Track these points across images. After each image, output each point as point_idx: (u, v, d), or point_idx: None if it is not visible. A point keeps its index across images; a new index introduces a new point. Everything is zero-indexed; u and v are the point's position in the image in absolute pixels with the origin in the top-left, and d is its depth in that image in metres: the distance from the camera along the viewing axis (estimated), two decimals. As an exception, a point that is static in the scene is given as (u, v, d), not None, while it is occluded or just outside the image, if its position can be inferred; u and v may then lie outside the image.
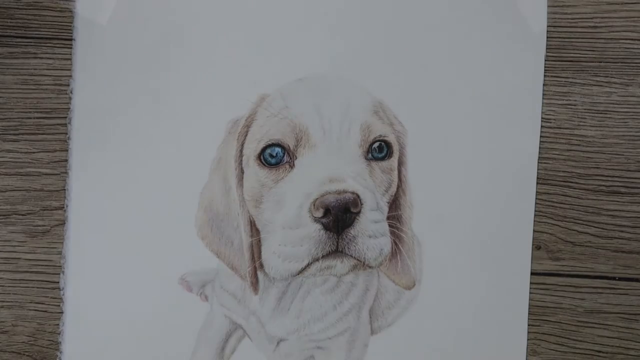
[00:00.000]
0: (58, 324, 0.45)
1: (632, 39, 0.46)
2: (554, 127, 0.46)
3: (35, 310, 0.46)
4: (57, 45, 0.45)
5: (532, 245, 0.46)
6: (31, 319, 0.46)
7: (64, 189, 0.45)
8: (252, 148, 0.45)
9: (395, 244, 0.46)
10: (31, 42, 0.45)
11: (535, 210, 0.46)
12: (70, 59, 0.45)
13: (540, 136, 0.46)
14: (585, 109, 0.46)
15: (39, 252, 0.45)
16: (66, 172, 0.45)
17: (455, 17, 0.46)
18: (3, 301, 0.44)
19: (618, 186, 0.47)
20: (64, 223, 0.45)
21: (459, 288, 0.47)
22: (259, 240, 0.45)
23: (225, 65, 0.46)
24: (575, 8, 0.46)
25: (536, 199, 0.46)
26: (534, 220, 0.46)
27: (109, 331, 0.46)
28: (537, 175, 0.46)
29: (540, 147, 0.46)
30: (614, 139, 0.46)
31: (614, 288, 0.47)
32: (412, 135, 0.45)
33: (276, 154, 0.45)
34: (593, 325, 0.47)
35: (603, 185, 0.47)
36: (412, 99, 0.46)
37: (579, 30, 0.46)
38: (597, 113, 0.46)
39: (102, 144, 0.45)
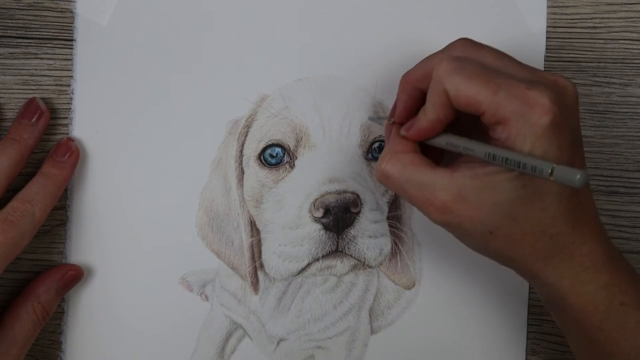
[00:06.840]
0: (59, 324, 0.45)
1: (631, 40, 0.46)
2: (554, 127, 0.46)
3: (36, 310, 0.46)
4: (58, 46, 0.45)
5: (532, 245, 0.46)
6: (32, 319, 0.46)
7: (65, 189, 0.45)
8: (253, 148, 0.45)
9: (395, 243, 0.46)
10: (32, 43, 0.45)
11: (534, 210, 0.46)
12: (71, 60, 0.45)
13: (540, 136, 0.46)
14: (584, 109, 0.46)
15: (40, 252, 0.45)
16: (67, 173, 0.45)
17: (455, 17, 0.46)
18: (4, 301, 0.44)
19: (617, 186, 0.47)
20: (65, 223, 0.45)
21: (459, 288, 0.47)
22: (259, 240, 0.45)
23: (225, 65, 0.46)
24: (575, 8, 0.46)
25: (536, 199, 0.46)
26: (534, 220, 0.46)
27: (109, 331, 0.46)
28: (537, 175, 0.46)
29: (539, 147, 0.46)
30: (613, 139, 0.46)
31: (613, 288, 0.47)
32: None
33: (276, 154, 0.45)
34: (592, 324, 0.47)
35: (602, 186, 0.47)
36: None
37: (579, 30, 0.46)
38: (596, 113, 0.46)
39: (102, 145, 0.45)
